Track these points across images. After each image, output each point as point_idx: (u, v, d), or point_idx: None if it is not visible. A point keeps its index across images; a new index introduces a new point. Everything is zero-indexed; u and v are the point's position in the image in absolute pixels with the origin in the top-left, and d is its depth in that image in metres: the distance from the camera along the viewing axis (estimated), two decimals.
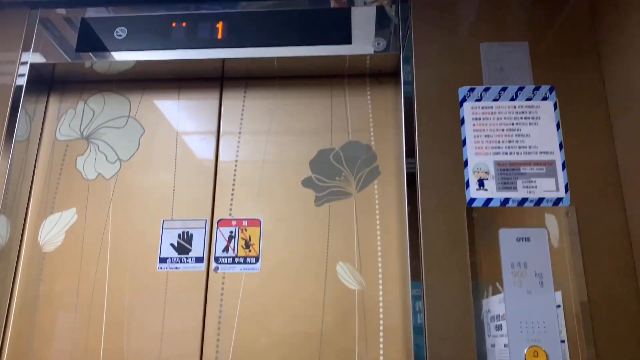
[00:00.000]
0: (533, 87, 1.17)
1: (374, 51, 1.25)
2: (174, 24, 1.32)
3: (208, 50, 1.29)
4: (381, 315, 1.18)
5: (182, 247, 1.25)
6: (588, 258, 1.05)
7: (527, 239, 1.07)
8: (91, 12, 1.36)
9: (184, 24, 1.32)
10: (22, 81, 1.31)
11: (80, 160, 1.35)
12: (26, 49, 1.34)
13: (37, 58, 1.33)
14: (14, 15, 1.37)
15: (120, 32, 1.33)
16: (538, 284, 1.04)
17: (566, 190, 1.10)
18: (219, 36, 1.30)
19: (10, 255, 1.26)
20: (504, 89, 1.18)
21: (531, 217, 1.09)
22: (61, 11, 1.37)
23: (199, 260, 1.24)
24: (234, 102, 1.38)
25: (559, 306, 1.02)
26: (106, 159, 1.34)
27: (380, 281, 1.20)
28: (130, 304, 1.22)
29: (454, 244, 1.08)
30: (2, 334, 1.21)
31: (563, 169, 1.11)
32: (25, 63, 1.32)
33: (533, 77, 1.18)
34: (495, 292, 1.04)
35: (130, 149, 1.35)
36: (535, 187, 1.10)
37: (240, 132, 1.35)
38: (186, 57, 1.29)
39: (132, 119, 1.38)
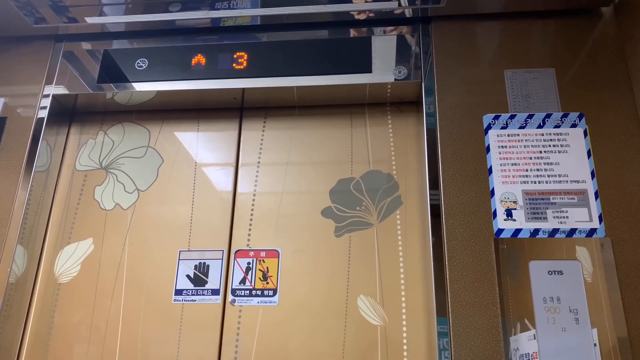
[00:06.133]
0: (561, 114, 1.14)
1: (395, 79, 1.24)
2: (194, 61, 1.32)
3: (228, 80, 1.29)
4: (405, 353, 1.12)
5: (199, 278, 1.22)
6: (626, 292, 0.99)
7: (560, 272, 1.01)
8: (114, 44, 1.39)
9: (202, 60, 1.32)
10: (44, 113, 1.32)
11: (98, 190, 1.34)
12: (49, 81, 1.36)
13: (60, 90, 1.35)
14: (39, 49, 1.40)
15: (141, 63, 1.34)
16: (573, 320, 0.98)
17: (600, 221, 1.05)
18: (239, 66, 1.30)
19: (26, 285, 1.24)
20: (530, 116, 1.15)
21: (560, 249, 1.04)
22: (86, 44, 1.39)
23: (215, 292, 1.21)
24: (254, 132, 1.37)
25: (595, 345, 0.96)
26: (124, 189, 1.34)
27: (404, 316, 1.15)
28: (144, 337, 1.19)
29: (481, 277, 1.04)
30: None
31: (596, 198, 1.06)
32: (48, 95, 1.34)
33: (560, 104, 1.15)
34: (524, 329, 0.98)
35: (148, 179, 1.34)
36: (567, 217, 1.06)
37: (259, 163, 1.33)
38: (206, 87, 1.30)
39: (152, 149, 1.38)
